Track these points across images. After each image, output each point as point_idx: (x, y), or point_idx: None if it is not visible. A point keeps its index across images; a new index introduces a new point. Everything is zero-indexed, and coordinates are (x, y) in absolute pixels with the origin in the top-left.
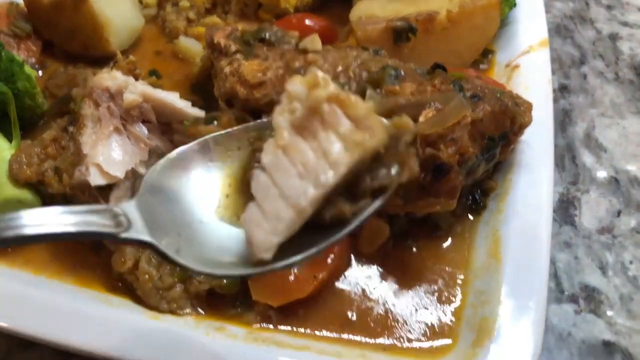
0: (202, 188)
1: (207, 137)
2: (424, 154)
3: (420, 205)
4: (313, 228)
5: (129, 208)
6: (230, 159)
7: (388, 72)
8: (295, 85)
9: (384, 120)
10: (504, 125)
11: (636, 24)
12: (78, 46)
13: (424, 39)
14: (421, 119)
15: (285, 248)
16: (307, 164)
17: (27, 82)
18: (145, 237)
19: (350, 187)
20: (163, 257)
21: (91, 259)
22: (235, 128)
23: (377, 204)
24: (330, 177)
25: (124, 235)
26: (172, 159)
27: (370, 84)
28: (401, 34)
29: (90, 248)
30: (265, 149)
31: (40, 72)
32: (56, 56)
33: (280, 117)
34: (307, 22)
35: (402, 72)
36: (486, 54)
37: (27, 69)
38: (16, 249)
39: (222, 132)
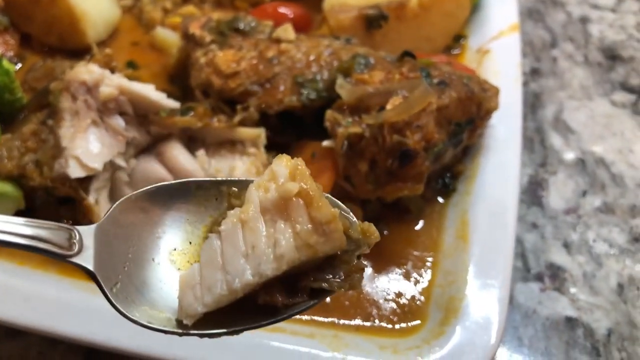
0: (169, 228)
1: (191, 179)
2: (391, 140)
3: (389, 190)
4: (248, 302)
5: (86, 232)
6: (206, 207)
7: (357, 61)
8: (280, 167)
9: (355, 221)
10: (470, 111)
11: (606, 7)
12: (55, 39)
13: (396, 25)
14: (388, 106)
15: (213, 316)
16: (256, 248)
17: (6, 77)
18: (89, 266)
19: (292, 279)
20: (101, 290)
21: None
22: (221, 179)
23: (311, 303)
24: (269, 269)
25: (71, 259)
26: (150, 192)
27: (341, 72)
28: (373, 22)
29: None
30: (229, 215)
31: (18, 65)
32: (34, 49)
33: (255, 192)
34: (282, 10)
35: (372, 60)
36: (458, 39)
37: (6, 63)
38: None
39: (207, 179)
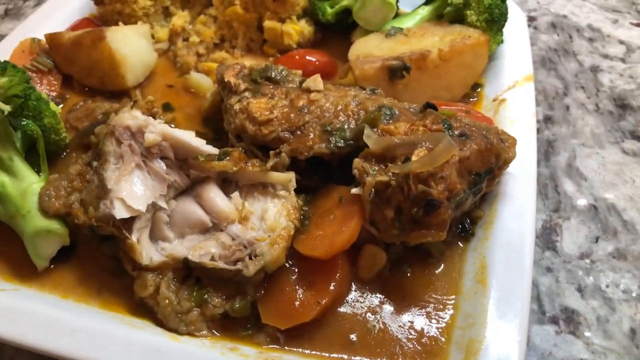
0: None
1: None
2: (417, 190)
3: (413, 236)
4: None
5: None
6: None
7: (383, 112)
8: None
9: None
10: (489, 161)
11: (616, 56)
12: (96, 81)
13: (417, 75)
14: (414, 158)
15: None
16: None
17: (53, 119)
18: None
19: None
20: None
21: (114, 283)
22: None
23: None
24: None
25: None
26: None
27: (368, 123)
28: (396, 72)
29: (113, 273)
30: None
31: (60, 105)
32: (75, 89)
33: None
34: (309, 57)
35: (397, 112)
36: (475, 87)
37: (53, 106)
38: (45, 274)
39: None
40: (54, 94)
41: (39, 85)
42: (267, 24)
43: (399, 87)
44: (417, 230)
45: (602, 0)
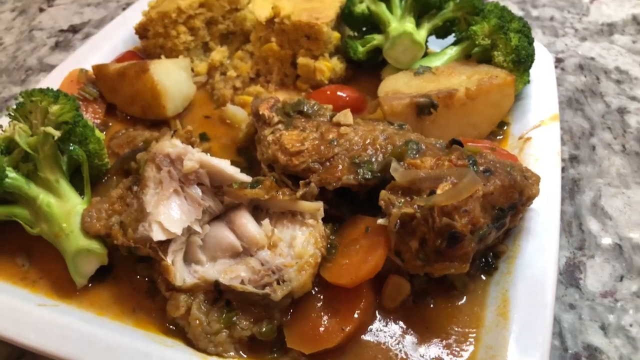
0: None
1: None
2: (441, 222)
3: (437, 267)
4: None
5: None
6: None
7: (410, 147)
8: None
9: None
10: (512, 197)
11: None
12: (137, 110)
13: (444, 113)
14: (439, 191)
15: None
16: None
17: (97, 145)
18: None
19: None
20: None
21: (148, 304)
22: None
23: None
24: None
25: None
26: None
27: (395, 157)
28: (423, 109)
29: (147, 294)
30: None
31: (103, 132)
32: (118, 117)
33: None
34: (340, 93)
35: (423, 147)
36: (501, 125)
37: (97, 133)
38: (83, 292)
39: None
40: (98, 121)
41: (84, 112)
42: (301, 60)
43: (426, 123)
44: (440, 262)
45: (630, 43)
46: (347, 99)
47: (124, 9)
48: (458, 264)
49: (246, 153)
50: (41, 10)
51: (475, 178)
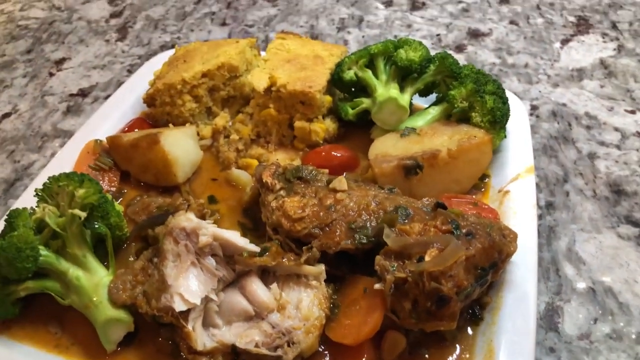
0: None
1: None
2: (429, 286)
3: (428, 325)
4: None
5: None
6: None
7: (400, 213)
8: None
9: None
10: (492, 256)
11: (612, 143)
12: (150, 177)
13: (430, 172)
14: (427, 257)
15: None
16: None
17: (118, 218)
18: None
19: None
20: None
21: None
22: None
23: None
24: None
25: None
26: None
27: (386, 223)
28: (410, 170)
29: (171, 355)
30: None
31: (119, 200)
32: (132, 184)
33: None
34: (334, 152)
35: (411, 212)
36: (483, 177)
37: (117, 206)
38: (113, 356)
39: None
40: (114, 189)
41: (101, 181)
42: (297, 124)
43: (413, 182)
44: (431, 321)
45: (599, 88)
46: (341, 157)
47: (128, 70)
48: (446, 322)
49: (251, 214)
50: (51, 74)
51: (458, 246)
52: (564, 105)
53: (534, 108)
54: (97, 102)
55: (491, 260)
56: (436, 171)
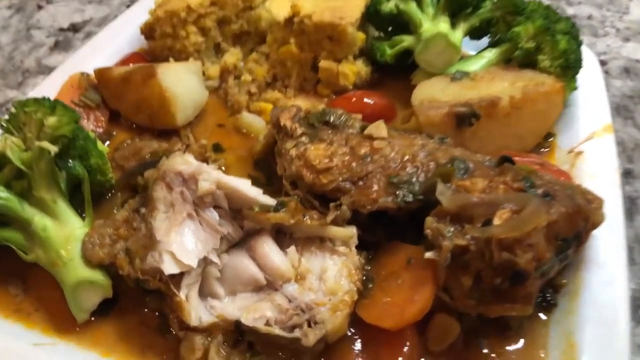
0: None
1: None
2: (500, 258)
3: (494, 309)
4: None
5: None
6: None
7: (457, 165)
8: None
9: None
10: (577, 225)
11: None
12: (144, 118)
13: (486, 123)
14: (496, 220)
15: None
16: None
17: (100, 159)
18: None
19: None
20: None
21: (159, 342)
22: None
23: None
24: None
25: None
26: None
27: (440, 177)
28: (464, 119)
29: (158, 331)
30: None
31: (106, 143)
32: (122, 126)
33: None
34: (366, 99)
35: (471, 165)
36: (547, 136)
37: (100, 145)
38: (84, 328)
39: None
40: (101, 130)
41: (85, 120)
42: (323, 64)
43: (466, 135)
44: (499, 303)
45: None
46: (375, 106)
47: (128, 6)
48: (520, 305)
49: (264, 166)
50: (39, 7)
51: (539, 207)
52: (638, 61)
53: (602, 63)
54: (89, 38)
55: (575, 230)
56: (494, 123)
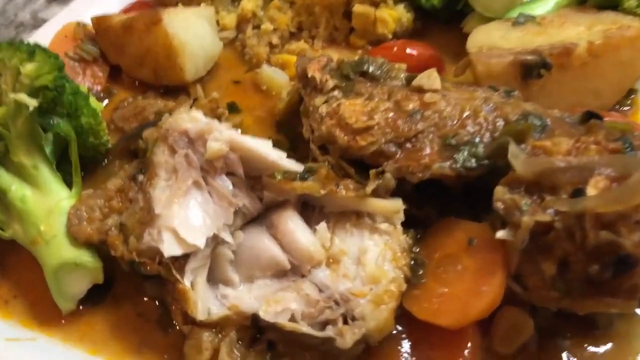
0: None
1: None
2: (597, 238)
3: (587, 304)
4: None
5: None
6: None
7: (532, 122)
8: None
9: None
10: None
11: None
12: (148, 73)
13: (558, 75)
14: (590, 190)
15: None
16: None
17: (92, 118)
18: None
19: None
20: None
21: (158, 338)
22: None
23: None
24: None
25: None
26: None
27: (512, 137)
28: (532, 70)
29: (158, 324)
30: None
31: (105, 102)
32: (124, 83)
33: None
34: (409, 50)
35: (549, 122)
36: (629, 93)
37: (93, 102)
38: (70, 320)
39: None
40: (99, 87)
41: (81, 76)
42: (357, 8)
43: (533, 89)
44: (594, 297)
45: None
46: (420, 57)
47: None
48: (622, 301)
49: (288, 129)
50: None
51: None
52: None
53: None
54: None
55: None
56: (568, 75)
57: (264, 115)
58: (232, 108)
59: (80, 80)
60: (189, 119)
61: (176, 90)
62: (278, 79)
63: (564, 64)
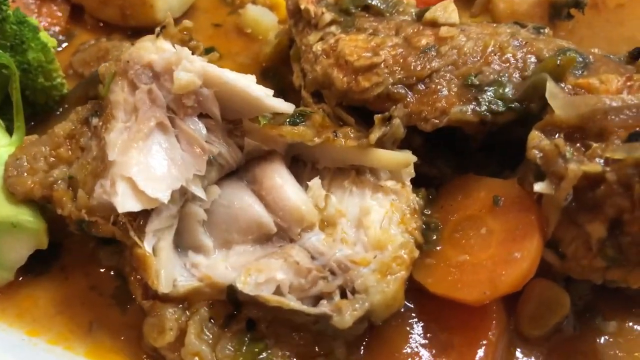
0: None
1: None
2: None
3: None
4: None
5: None
6: None
7: (574, 57)
8: None
9: None
10: None
11: None
12: (114, 13)
13: (590, 17)
14: None
15: None
16: None
17: (42, 54)
18: None
19: None
20: None
21: (114, 317)
22: None
23: None
24: None
25: None
26: None
27: (550, 74)
28: (560, 10)
29: (114, 300)
30: None
31: (64, 45)
32: (86, 24)
33: None
34: None
35: (591, 58)
36: None
37: (44, 35)
38: (8, 293)
39: None
40: (57, 28)
41: (37, 16)
42: None
43: (560, 33)
44: None
45: None
46: None
47: None
48: None
49: (276, 77)
50: None
51: None
52: None
53: None
54: None
55: None
56: (601, 17)
57: (247, 62)
58: (212, 53)
59: (34, 18)
60: (155, 49)
61: (145, 32)
62: (265, 20)
63: (597, 4)
